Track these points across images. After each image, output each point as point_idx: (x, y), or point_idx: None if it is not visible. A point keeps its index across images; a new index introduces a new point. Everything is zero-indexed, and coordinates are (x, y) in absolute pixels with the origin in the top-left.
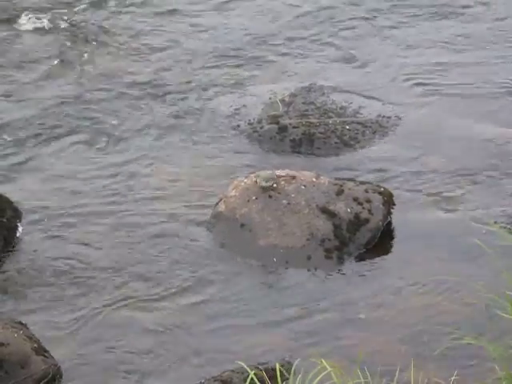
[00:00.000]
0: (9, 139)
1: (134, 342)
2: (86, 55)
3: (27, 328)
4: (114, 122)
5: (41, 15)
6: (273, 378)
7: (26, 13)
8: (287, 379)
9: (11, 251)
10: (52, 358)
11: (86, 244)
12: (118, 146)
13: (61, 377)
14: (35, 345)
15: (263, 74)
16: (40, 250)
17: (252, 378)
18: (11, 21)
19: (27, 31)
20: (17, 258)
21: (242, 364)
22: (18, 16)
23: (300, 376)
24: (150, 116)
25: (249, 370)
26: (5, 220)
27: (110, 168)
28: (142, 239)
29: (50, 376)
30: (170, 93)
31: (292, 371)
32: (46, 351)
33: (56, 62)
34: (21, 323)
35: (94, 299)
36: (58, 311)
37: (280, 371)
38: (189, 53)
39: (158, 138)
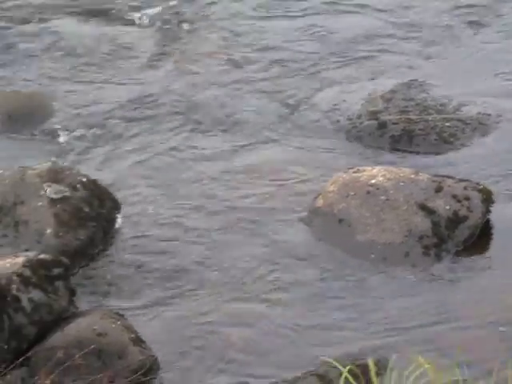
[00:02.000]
0: (109, 131)
1: (231, 335)
2: (183, 48)
3: (125, 319)
4: (216, 113)
5: (139, 10)
6: (367, 373)
7: (125, 9)
8: (382, 375)
9: (110, 242)
10: (149, 349)
11: (184, 237)
12: (218, 137)
13: (158, 368)
14: (133, 335)
15: (363, 70)
16: (138, 241)
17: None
18: (111, 16)
19: (127, 26)
20: (115, 250)
21: (331, 361)
22: (119, 11)
23: (395, 372)
24: (249, 110)
25: (340, 367)
26: (104, 211)
27: (209, 161)
28: (240, 234)
29: (147, 367)
30: (267, 89)
31: (387, 368)
32: (143, 342)
33: (156, 53)
34: (119, 314)
35: (192, 293)
36: (155, 303)
37: (375, 367)
38: (288, 50)
39: (257, 132)
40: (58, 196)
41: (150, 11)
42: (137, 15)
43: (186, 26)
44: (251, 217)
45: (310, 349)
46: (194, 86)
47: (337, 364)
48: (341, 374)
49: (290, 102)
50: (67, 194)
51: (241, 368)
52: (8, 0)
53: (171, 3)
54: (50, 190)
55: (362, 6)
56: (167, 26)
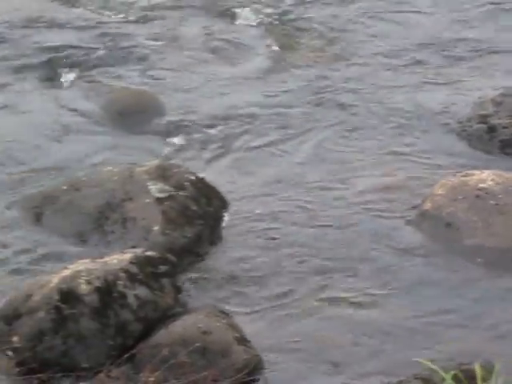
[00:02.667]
0: (218, 129)
1: (337, 336)
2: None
3: (230, 317)
4: (328, 113)
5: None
6: (472, 379)
7: (240, 8)
8: (487, 381)
9: (217, 241)
10: (254, 348)
11: (291, 235)
12: (325, 138)
13: (262, 368)
14: (237, 334)
15: (473, 73)
16: (245, 240)
17: (451, 378)
18: (227, 15)
19: (242, 24)
20: (222, 248)
21: (433, 367)
22: (234, 11)
23: (501, 379)
24: (356, 113)
25: (442, 373)
26: (211, 209)
27: (313, 159)
28: (348, 235)
29: (252, 367)
30: (371, 90)
31: (493, 373)
32: (247, 341)
33: (265, 50)
34: (224, 312)
35: (300, 291)
36: (260, 301)
37: (481, 372)
38: (393, 49)
39: (367, 135)
40: (163, 195)
41: (255, 7)
42: (245, 11)
43: (290, 23)
44: (358, 216)
45: (413, 352)
46: (307, 83)
47: (439, 370)
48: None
49: (395, 104)
50: (172, 193)
51: (345, 370)
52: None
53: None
54: (155, 189)
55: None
56: (274, 23)
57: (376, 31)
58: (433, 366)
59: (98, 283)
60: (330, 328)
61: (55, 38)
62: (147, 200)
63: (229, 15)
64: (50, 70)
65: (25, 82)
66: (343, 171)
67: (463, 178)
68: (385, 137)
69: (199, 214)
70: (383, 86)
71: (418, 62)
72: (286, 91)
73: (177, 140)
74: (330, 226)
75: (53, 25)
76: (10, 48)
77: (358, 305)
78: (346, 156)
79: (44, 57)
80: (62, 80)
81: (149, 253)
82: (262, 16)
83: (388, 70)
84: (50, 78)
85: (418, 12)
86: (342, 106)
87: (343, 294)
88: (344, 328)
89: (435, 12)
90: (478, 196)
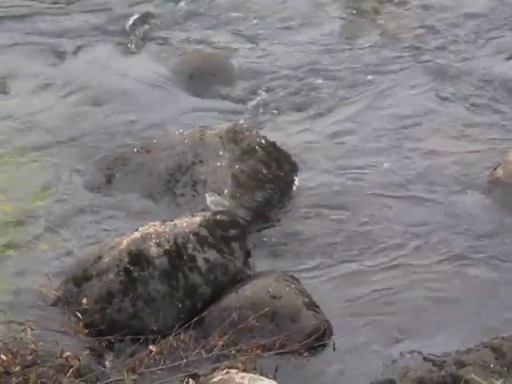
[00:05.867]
0: (290, 94)
1: (406, 300)
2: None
3: (299, 282)
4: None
5: None
6: None
7: None
8: None
9: (287, 205)
10: (322, 313)
11: (360, 202)
12: (401, 103)
13: (331, 333)
14: (306, 299)
15: None
16: (315, 205)
17: None
18: None
19: None
20: (292, 212)
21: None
22: None
23: None
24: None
25: None
26: (282, 174)
27: (387, 124)
28: (419, 201)
29: (321, 332)
30: (455, 59)
31: None
32: (316, 306)
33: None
34: (293, 277)
35: (370, 257)
36: (329, 267)
37: None
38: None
39: (446, 102)
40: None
41: None
42: None
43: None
44: (428, 185)
45: (486, 323)
46: (391, 48)
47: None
48: None
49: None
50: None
51: (414, 336)
52: None
53: None
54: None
55: None
56: None
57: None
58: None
59: (167, 246)
60: (400, 294)
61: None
62: (218, 163)
63: None
64: (122, 35)
65: (99, 46)
66: (417, 135)
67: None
68: (460, 104)
69: (269, 178)
70: (466, 58)
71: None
72: (364, 54)
73: (248, 103)
74: (401, 192)
75: None
76: (92, 16)
77: (427, 269)
78: (420, 121)
79: (118, 23)
80: (134, 43)
81: (219, 216)
82: None
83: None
84: (123, 42)
85: None
86: (421, 71)
87: (415, 260)
88: (414, 293)
89: None
90: None
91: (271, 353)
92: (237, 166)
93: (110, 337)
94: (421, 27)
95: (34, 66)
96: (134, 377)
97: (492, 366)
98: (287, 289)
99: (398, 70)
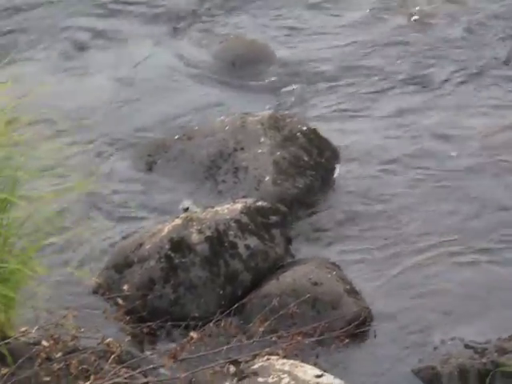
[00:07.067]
0: (331, 81)
1: (447, 286)
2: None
3: (340, 269)
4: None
5: None
6: None
7: None
8: None
9: (328, 192)
10: (363, 300)
11: (400, 189)
12: (441, 86)
13: (371, 320)
14: (347, 286)
15: None
16: (356, 192)
17: None
18: None
19: None
20: (333, 199)
21: None
22: None
23: None
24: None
25: None
26: (323, 161)
27: (430, 105)
28: (467, 182)
29: (362, 319)
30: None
31: None
32: (357, 293)
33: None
34: (334, 264)
35: (410, 245)
36: (371, 254)
37: None
38: None
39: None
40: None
41: None
42: None
43: None
44: (477, 161)
45: None
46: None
47: None
48: None
49: None
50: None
51: (455, 323)
52: None
53: None
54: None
55: None
56: None
57: None
58: None
59: (208, 232)
60: (442, 277)
61: None
62: (259, 150)
63: None
64: (164, 22)
65: (141, 31)
66: (462, 116)
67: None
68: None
69: (311, 165)
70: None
71: None
72: (395, 43)
73: (289, 90)
74: (437, 180)
75: None
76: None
77: (469, 255)
78: (464, 102)
79: (159, 9)
80: (176, 30)
81: (260, 203)
82: None
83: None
84: (165, 29)
85: None
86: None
87: (458, 246)
88: (457, 280)
89: None
90: None
91: (312, 339)
92: (278, 153)
93: (151, 323)
94: None
95: (76, 50)
96: (175, 363)
97: None
98: (328, 275)
99: (455, 66)
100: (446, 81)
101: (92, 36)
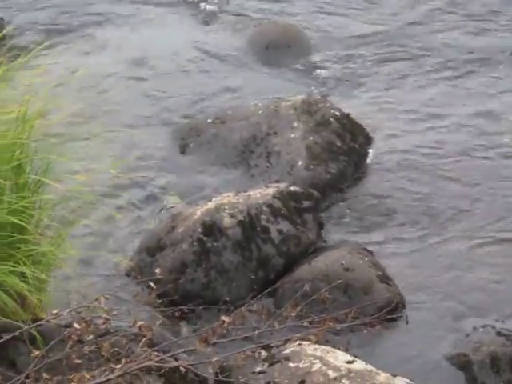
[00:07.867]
0: (365, 66)
1: (478, 278)
2: None
3: (373, 255)
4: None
5: None
6: None
7: None
8: None
9: (361, 177)
10: (396, 286)
11: (434, 176)
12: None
13: (403, 307)
14: (380, 272)
15: None
16: (389, 178)
17: None
18: None
19: None
20: (366, 185)
21: None
22: None
23: None
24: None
25: None
26: (356, 146)
27: (462, 94)
28: (496, 171)
29: (393, 305)
30: None
31: None
32: (390, 280)
33: None
34: (366, 250)
35: (444, 232)
36: (403, 240)
37: None
38: None
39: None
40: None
41: None
42: None
43: None
44: (502, 151)
45: None
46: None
47: None
48: None
49: None
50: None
51: (486, 313)
52: None
53: None
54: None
55: None
56: None
57: None
58: None
59: (241, 217)
60: (476, 268)
61: None
62: (292, 135)
63: None
64: (198, 6)
65: (175, 17)
66: (490, 106)
67: None
68: None
69: (344, 150)
70: None
71: None
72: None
73: (323, 75)
74: (470, 171)
75: None
76: None
77: (499, 245)
78: (492, 92)
79: None
80: (210, 14)
81: (292, 188)
82: None
83: None
84: (198, 13)
85: None
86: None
87: (493, 234)
88: (491, 268)
89: None
90: None
91: (343, 325)
92: (311, 138)
93: (182, 307)
94: None
95: (106, 35)
96: (206, 347)
97: None
98: (360, 261)
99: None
100: (481, 67)
101: (123, 19)
